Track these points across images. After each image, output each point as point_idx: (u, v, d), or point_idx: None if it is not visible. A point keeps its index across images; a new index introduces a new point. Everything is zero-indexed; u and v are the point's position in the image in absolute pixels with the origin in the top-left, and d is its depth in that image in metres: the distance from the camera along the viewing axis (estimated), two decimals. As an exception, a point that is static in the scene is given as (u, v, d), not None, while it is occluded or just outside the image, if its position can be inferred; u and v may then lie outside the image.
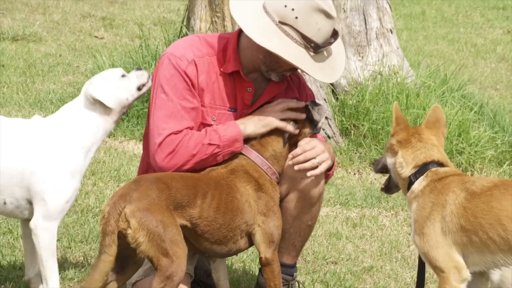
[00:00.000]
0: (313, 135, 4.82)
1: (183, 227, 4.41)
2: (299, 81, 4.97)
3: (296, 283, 5.07)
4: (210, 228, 4.47)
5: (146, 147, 4.87)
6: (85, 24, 11.70)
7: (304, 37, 4.59)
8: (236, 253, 4.69)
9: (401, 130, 4.66)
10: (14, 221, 5.74)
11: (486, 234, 4.36)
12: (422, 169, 4.59)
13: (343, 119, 8.12)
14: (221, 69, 4.73)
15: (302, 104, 4.79)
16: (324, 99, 8.11)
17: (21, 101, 8.62)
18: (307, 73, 4.67)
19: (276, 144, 4.73)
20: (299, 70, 4.82)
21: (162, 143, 4.60)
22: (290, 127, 4.71)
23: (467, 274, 4.42)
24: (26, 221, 4.67)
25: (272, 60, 4.69)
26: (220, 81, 4.74)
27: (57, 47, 10.69)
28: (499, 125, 8.47)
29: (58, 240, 4.96)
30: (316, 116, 4.77)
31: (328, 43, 4.66)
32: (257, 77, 4.80)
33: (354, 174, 7.81)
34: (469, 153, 7.97)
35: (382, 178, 7.74)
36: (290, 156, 4.72)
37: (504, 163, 8.07)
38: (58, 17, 11.81)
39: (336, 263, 5.92)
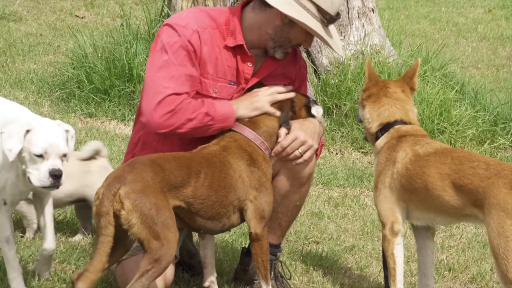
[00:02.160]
0: None
1: (178, 208, 4.43)
2: (295, 52, 4.99)
3: (279, 263, 5.09)
4: (204, 205, 4.50)
5: (133, 131, 4.89)
6: (65, 3, 11.61)
7: (320, 9, 4.68)
8: (229, 228, 4.72)
9: (372, 85, 4.93)
10: None
11: (419, 195, 4.67)
12: (386, 126, 4.87)
13: (325, 98, 8.12)
14: (225, 43, 4.73)
15: (290, 87, 4.87)
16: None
17: (1, 81, 8.57)
18: (327, 43, 4.75)
19: (268, 121, 4.77)
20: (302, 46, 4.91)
21: (163, 101, 4.59)
22: (278, 113, 4.76)
23: (398, 227, 4.75)
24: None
25: (282, 35, 4.74)
26: (222, 54, 4.75)
27: (37, 26, 10.61)
28: (480, 104, 8.49)
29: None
30: (313, 111, 4.86)
31: (338, 15, 4.76)
32: (257, 53, 4.83)
33: (336, 153, 7.82)
34: (451, 132, 7.99)
35: (364, 158, 7.76)
36: (272, 154, 4.77)
37: (485, 142, 8.10)
38: (38, -4, 11.73)
39: (318, 243, 5.94)
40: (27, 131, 4.45)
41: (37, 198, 4.81)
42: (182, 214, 4.49)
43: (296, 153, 4.78)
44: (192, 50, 4.66)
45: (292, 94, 4.82)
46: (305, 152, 4.78)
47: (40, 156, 4.44)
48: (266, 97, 4.77)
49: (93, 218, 4.38)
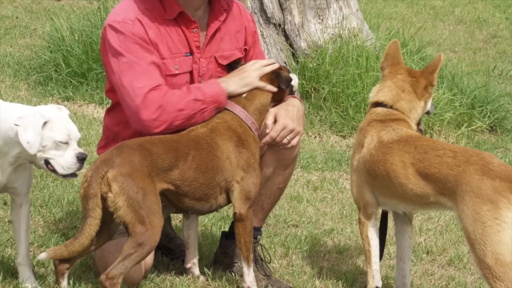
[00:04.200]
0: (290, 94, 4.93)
1: (166, 190, 4.45)
2: (239, 9, 4.99)
3: (259, 246, 5.10)
4: (192, 187, 4.51)
5: (110, 124, 4.86)
6: (42, -15, 11.53)
7: None
8: (217, 209, 4.74)
9: (387, 65, 4.92)
10: None
11: (381, 182, 4.70)
12: (370, 107, 4.90)
13: (304, 82, 8.13)
14: (166, 17, 4.73)
15: (272, 60, 4.92)
16: (285, 62, 8.10)
17: (-23, 65, 8.52)
18: None
19: (264, 98, 4.79)
20: None
21: (144, 100, 4.57)
22: (269, 87, 4.78)
23: (371, 210, 4.80)
24: None
25: None
26: (168, 30, 4.74)
27: (13, 9, 10.53)
28: (457, 87, 8.53)
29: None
30: (284, 83, 4.83)
31: None
32: (199, 15, 4.82)
33: (315, 137, 7.83)
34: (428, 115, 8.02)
35: (342, 142, 7.78)
36: (261, 144, 4.78)
37: (462, 125, 8.14)
38: (14, -22, 11.64)
39: (297, 226, 5.95)
40: (45, 123, 4.37)
41: (13, 203, 4.61)
42: (171, 196, 4.50)
43: (285, 140, 4.81)
44: (141, 39, 4.64)
45: (276, 65, 4.84)
46: (292, 138, 4.81)
47: (66, 143, 4.39)
48: (254, 71, 4.78)
49: (80, 200, 4.37)
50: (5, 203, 5.65)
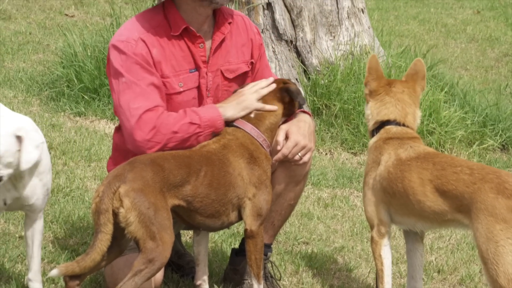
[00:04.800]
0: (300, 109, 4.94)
1: (178, 206, 4.44)
2: (244, 22, 4.99)
3: (269, 263, 5.09)
4: (203, 204, 4.50)
5: (119, 142, 4.88)
6: (55, 2, 11.58)
7: None
8: (228, 225, 4.72)
9: (372, 80, 4.90)
10: None
11: (398, 200, 4.66)
12: (380, 126, 4.87)
13: (315, 99, 8.13)
14: (171, 33, 4.73)
15: (271, 80, 4.88)
16: (296, 79, 8.11)
17: (-10, 80, 8.55)
18: None
19: (273, 118, 4.79)
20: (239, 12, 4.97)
21: (139, 121, 4.58)
22: (268, 107, 4.78)
23: (385, 229, 4.76)
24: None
25: None
26: (173, 46, 4.74)
27: (27, 25, 10.59)
28: (469, 105, 8.51)
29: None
30: (296, 96, 4.85)
31: None
32: (205, 30, 4.82)
33: (326, 154, 7.83)
34: (440, 133, 8.01)
35: (353, 159, 7.77)
36: (273, 161, 4.79)
37: (473, 143, 8.12)
38: (27, -6, 11.70)
39: (307, 244, 5.94)
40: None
41: (27, 219, 4.63)
42: (182, 212, 4.50)
43: (296, 157, 4.81)
44: (143, 59, 4.65)
45: (274, 85, 4.82)
46: (304, 155, 4.81)
47: None
48: (252, 95, 4.78)
49: (92, 215, 4.37)
50: (15, 218, 5.66)
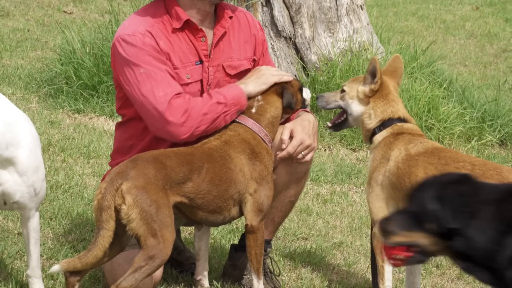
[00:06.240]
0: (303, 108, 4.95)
1: (180, 203, 4.45)
2: (246, 18, 5.00)
3: (269, 258, 5.10)
4: (205, 200, 4.52)
5: (121, 138, 4.87)
6: (53, -1, 11.58)
7: None
8: (230, 221, 4.74)
9: (373, 82, 4.90)
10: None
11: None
12: (387, 123, 4.86)
13: (314, 95, 8.12)
14: (173, 27, 4.73)
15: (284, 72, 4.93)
16: (295, 76, 8.11)
17: (-11, 77, 8.54)
18: None
19: (274, 110, 4.78)
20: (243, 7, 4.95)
21: (169, 107, 4.56)
22: (286, 77, 4.81)
23: None
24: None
25: None
26: (177, 39, 4.75)
27: (25, 22, 10.58)
28: (467, 101, 8.51)
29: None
30: (304, 94, 4.91)
31: None
32: (206, 25, 4.83)
33: (325, 150, 7.83)
34: (438, 129, 8.01)
35: (352, 155, 7.77)
36: (277, 158, 4.80)
37: (472, 139, 8.12)
38: (26, -9, 11.70)
39: (306, 239, 5.95)
40: None
41: (22, 217, 4.59)
42: (184, 208, 4.51)
43: (300, 156, 4.82)
44: (154, 50, 4.65)
45: (286, 77, 4.84)
46: (307, 154, 4.82)
47: None
48: (269, 70, 4.81)
49: (94, 212, 4.37)
50: (14, 215, 5.66)
